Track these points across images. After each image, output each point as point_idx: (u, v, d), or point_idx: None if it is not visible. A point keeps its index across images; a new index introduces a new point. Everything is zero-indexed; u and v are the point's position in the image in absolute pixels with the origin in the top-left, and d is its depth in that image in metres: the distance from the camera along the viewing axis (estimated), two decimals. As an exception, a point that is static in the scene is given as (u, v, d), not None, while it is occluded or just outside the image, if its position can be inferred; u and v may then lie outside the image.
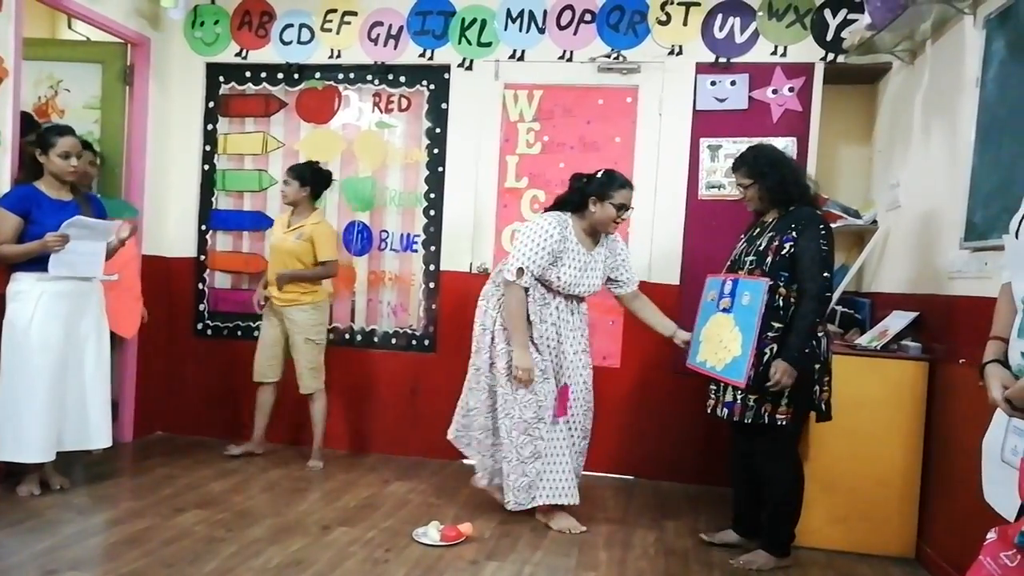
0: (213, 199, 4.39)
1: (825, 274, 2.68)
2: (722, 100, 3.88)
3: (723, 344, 2.80)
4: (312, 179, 3.85)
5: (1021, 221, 1.62)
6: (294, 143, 4.32)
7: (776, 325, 2.71)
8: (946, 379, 2.87)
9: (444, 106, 4.15)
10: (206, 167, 4.39)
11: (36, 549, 2.65)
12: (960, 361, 2.70)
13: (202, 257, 4.41)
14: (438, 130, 4.15)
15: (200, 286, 4.41)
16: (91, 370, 3.26)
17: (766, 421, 2.72)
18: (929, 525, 2.95)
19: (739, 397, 2.76)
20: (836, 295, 3.72)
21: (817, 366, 2.75)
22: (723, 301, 2.85)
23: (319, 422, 3.94)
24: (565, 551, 2.92)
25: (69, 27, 4.46)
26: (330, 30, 4.22)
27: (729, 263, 2.96)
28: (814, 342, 2.72)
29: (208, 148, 4.38)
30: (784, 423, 2.72)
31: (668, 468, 3.93)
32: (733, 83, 3.86)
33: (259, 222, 4.33)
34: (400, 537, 2.96)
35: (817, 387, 2.76)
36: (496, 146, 4.10)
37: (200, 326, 4.42)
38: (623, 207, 3.01)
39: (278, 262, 3.85)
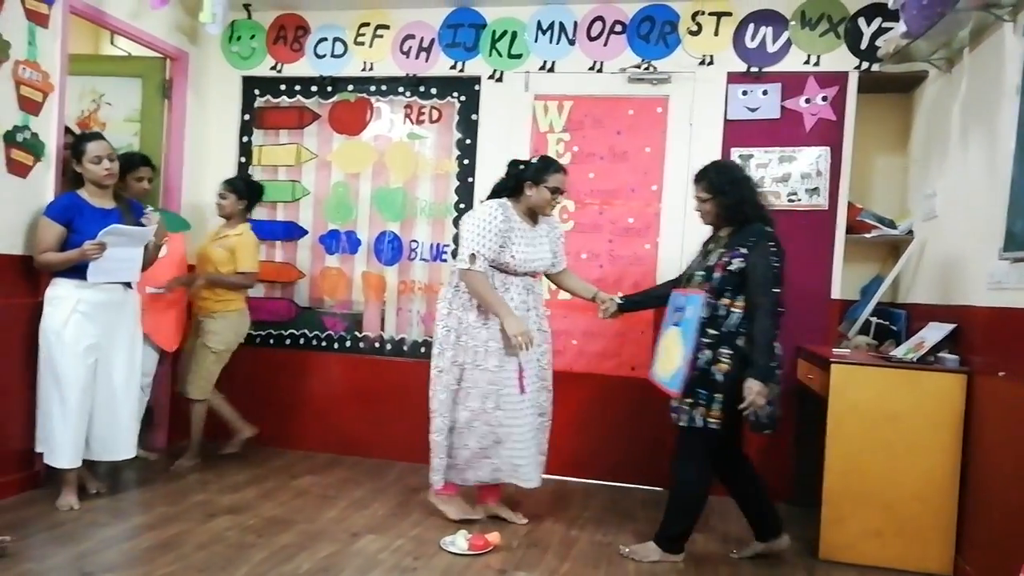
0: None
1: (775, 289, 2.73)
2: (754, 110, 3.85)
3: (670, 356, 2.88)
4: (248, 192, 3.93)
5: None
6: (327, 154, 4.38)
7: (712, 332, 2.78)
8: (985, 392, 2.80)
9: (474, 117, 4.18)
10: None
11: (72, 553, 2.71)
12: (1000, 374, 2.63)
13: (236, 266, 4.48)
14: (468, 141, 4.19)
15: (234, 295, 4.48)
16: (121, 380, 3.27)
17: (700, 425, 2.79)
18: (967, 541, 2.87)
19: (681, 403, 2.84)
20: (871, 305, 3.67)
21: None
22: (676, 315, 2.93)
23: (197, 431, 3.92)
24: (593, 562, 2.90)
25: (111, 43, 4.59)
26: (363, 43, 4.29)
27: (684, 277, 3.02)
28: (748, 350, 2.74)
29: (243, 160, 4.47)
30: (715, 427, 2.77)
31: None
32: (765, 92, 3.84)
33: (292, 232, 4.40)
34: (428, 545, 2.97)
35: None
36: (526, 157, 4.10)
37: (234, 334, 4.48)
38: (557, 190, 3.14)
39: (201, 270, 3.93)
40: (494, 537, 2.97)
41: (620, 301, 3.25)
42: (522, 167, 3.18)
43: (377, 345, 4.32)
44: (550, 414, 3.30)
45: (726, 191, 2.84)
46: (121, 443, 3.31)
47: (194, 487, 3.56)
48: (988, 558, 2.69)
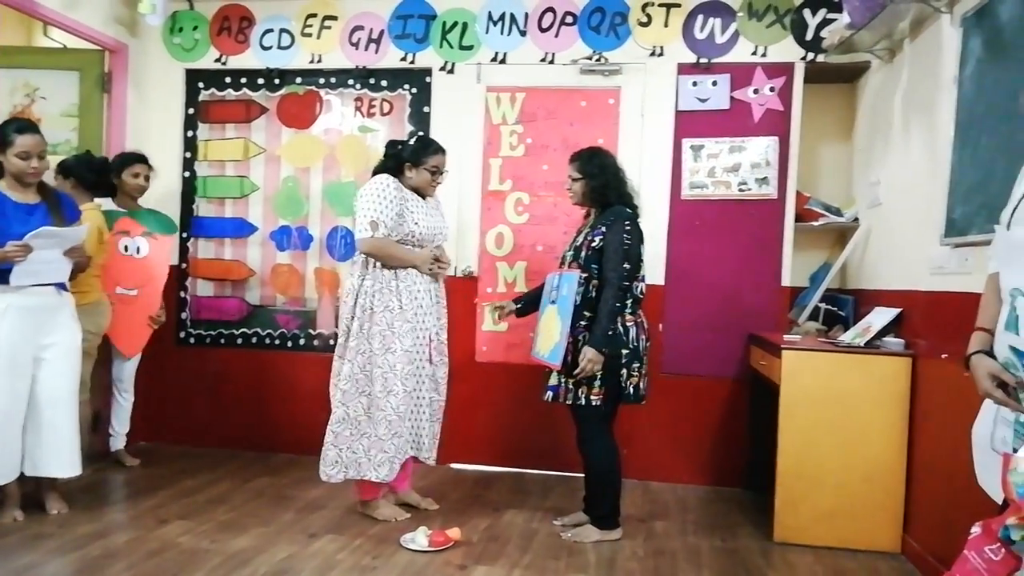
0: (194, 206, 4.35)
1: (626, 265, 2.92)
2: (704, 100, 3.89)
3: (549, 333, 3.05)
4: (80, 171, 3.58)
5: (1012, 213, 1.61)
6: (276, 149, 4.29)
7: (588, 314, 2.97)
8: (929, 374, 2.89)
9: (426, 110, 4.14)
10: (187, 174, 4.35)
11: (15, 566, 2.60)
12: (942, 356, 2.72)
13: (184, 265, 4.37)
14: (421, 134, 4.13)
15: (182, 294, 4.37)
16: (56, 390, 3.03)
17: (583, 403, 2.96)
18: (914, 519, 2.96)
19: (561, 381, 3.00)
20: (820, 292, 3.75)
21: (625, 351, 2.95)
22: (552, 293, 3.11)
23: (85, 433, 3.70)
24: (554, 554, 2.91)
25: (45, 34, 4.41)
26: (310, 35, 4.20)
27: (560, 258, 3.21)
28: (621, 329, 2.95)
29: (188, 155, 4.35)
30: (598, 404, 2.94)
31: (658, 468, 3.93)
32: (714, 83, 3.88)
33: (241, 228, 4.30)
34: (388, 544, 2.94)
35: (625, 371, 2.95)
36: (479, 149, 4.09)
37: (183, 334, 4.37)
38: (437, 171, 3.16)
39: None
40: (454, 533, 2.96)
41: (516, 307, 3.33)
42: (400, 148, 3.19)
43: (331, 342, 4.25)
44: (444, 392, 3.31)
45: (593, 174, 3.05)
46: (61, 458, 3.06)
47: (144, 493, 3.46)
48: (934, 535, 2.78)
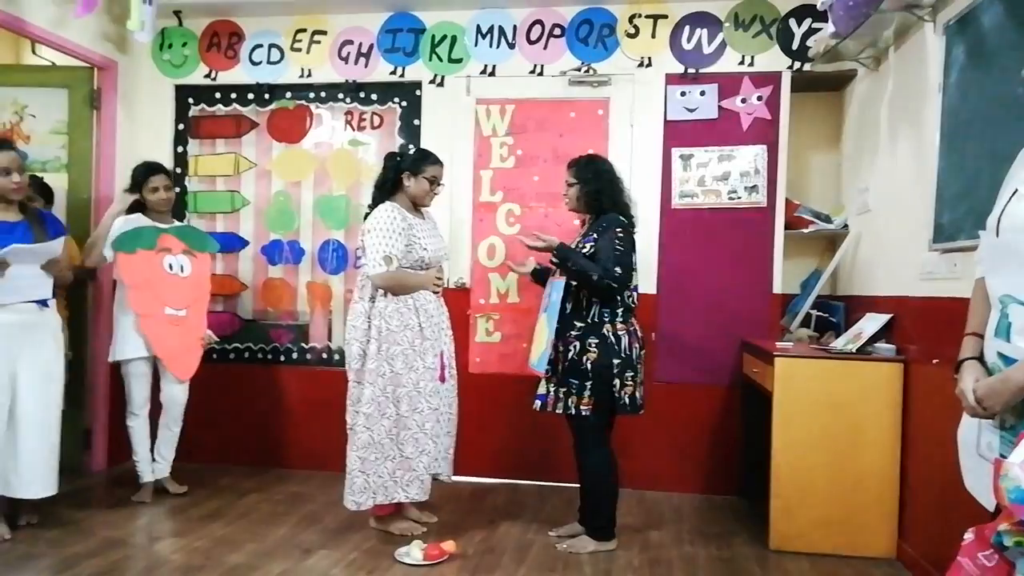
0: (185, 221, 4.33)
1: (617, 269, 2.90)
2: (692, 110, 3.92)
3: (539, 341, 3.09)
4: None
5: (999, 219, 1.62)
6: (266, 163, 4.29)
7: (579, 324, 2.99)
8: (921, 380, 2.90)
9: (416, 123, 4.15)
10: (177, 189, 4.33)
11: (7, 585, 2.58)
12: (934, 361, 2.73)
13: (175, 280, 4.34)
14: (411, 147, 4.15)
15: (174, 310, 4.34)
16: (34, 410, 3.00)
17: (573, 412, 2.96)
18: (909, 525, 2.97)
19: (550, 390, 3.04)
20: (811, 299, 3.77)
21: (617, 361, 2.94)
22: (544, 301, 3.13)
23: None
24: (550, 565, 2.90)
25: (33, 52, 4.40)
26: (300, 49, 4.22)
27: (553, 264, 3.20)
28: (613, 338, 2.96)
29: (179, 170, 4.34)
30: (587, 414, 2.94)
31: (653, 477, 3.93)
32: (703, 93, 3.91)
33: (233, 243, 4.29)
34: (383, 558, 2.92)
35: (618, 380, 2.94)
36: (470, 161, 4.10)
37: (175, 350, 4.34)
38: (435, 180, 3.20)
39: None
40: (449, 546, 2.94)
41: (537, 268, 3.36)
42: (399, 159, 3.25)
43: (324, 356, 4.25)
44: (456, 407, 3.32)
45: (588, 179, 3.07)
46: (36, 479, 3.01)
47: (136, 510, 3.44)
48: (929, 541, 2.79)
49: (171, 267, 3.60)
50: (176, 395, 3.66)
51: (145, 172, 3.59)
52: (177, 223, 3.78)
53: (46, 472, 3.07)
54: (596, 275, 2.89)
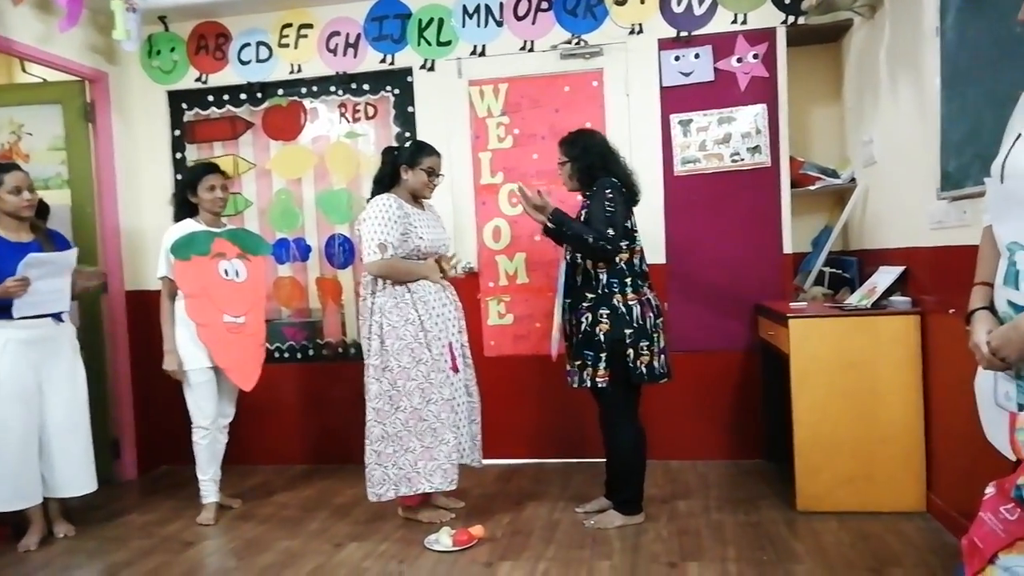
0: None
1: (610, 231, 2.86)
2: (688, 74, 3.86)
3: (555, 324, 3.09)
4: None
5: (1003, 164, 1.58)
6: (265, 163, 4.28)
7: (590, 296, 2.96)
8: (938, 330, 2.87)
9: (411, 109, 4.11)
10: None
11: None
12: (950, 311, 2.69)
13: (186, 287, 4.36)
14: (408, 134, 4.12)
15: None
16: (63, 417, 3.16)
17: (589, 385, 2.95)
18: (938, 477, 2.95)
19: (571, 364, 3.03)
20: (823, 256, 3.73)
21: (629, 331, 2.90)
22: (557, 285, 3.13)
23: None
24: (579, 543, 2.92)
25: (24, 70, 4.40)
26: (288, 45, 4.18)
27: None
28: (624, 308, 2.91)
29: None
30: (604, 386, 2.93)
31: (676, 447, 3.93)
32: (697, 56, 3.84)
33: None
34: (413, 547, 2.95)
35: (632, 351, 2.91)
36: (467, 144, 4.07)
37: (192, 356, 4.37)
38: (433, 172, 3.18)
39: None
40: (477, 530, 2.97)
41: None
42: (396, 152, 3.23)
43: (340, 351, 4.26)
44: (478, 394, 3.33)
45: (577, 156, 3.05)
46: (76, 478, 3.21)
47: (169, 517, 3.49)
48: (958, 492, 2.77)
49: (226, 272, 3.41)
50: (226, 408, 3.56)
51: (203, 171, 3.42)
52: (229, 226, 3.58)
53: (84, 470, 3.25)
54: (591, 237, 2.86)
